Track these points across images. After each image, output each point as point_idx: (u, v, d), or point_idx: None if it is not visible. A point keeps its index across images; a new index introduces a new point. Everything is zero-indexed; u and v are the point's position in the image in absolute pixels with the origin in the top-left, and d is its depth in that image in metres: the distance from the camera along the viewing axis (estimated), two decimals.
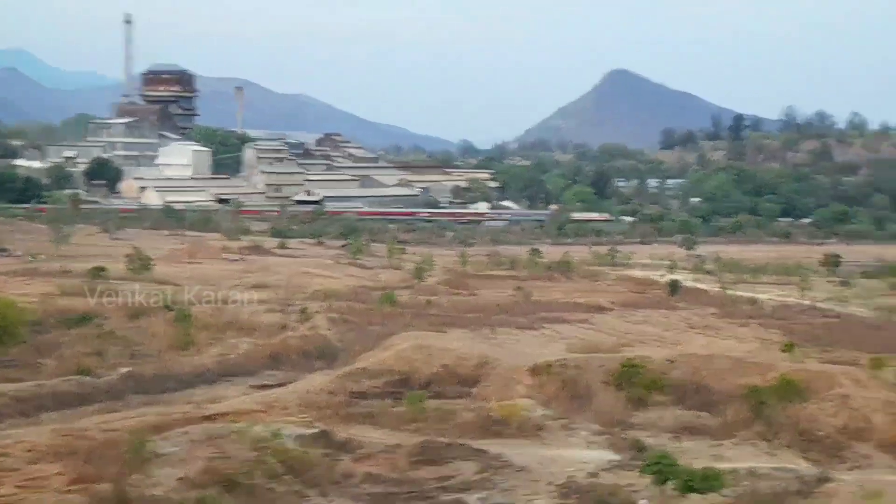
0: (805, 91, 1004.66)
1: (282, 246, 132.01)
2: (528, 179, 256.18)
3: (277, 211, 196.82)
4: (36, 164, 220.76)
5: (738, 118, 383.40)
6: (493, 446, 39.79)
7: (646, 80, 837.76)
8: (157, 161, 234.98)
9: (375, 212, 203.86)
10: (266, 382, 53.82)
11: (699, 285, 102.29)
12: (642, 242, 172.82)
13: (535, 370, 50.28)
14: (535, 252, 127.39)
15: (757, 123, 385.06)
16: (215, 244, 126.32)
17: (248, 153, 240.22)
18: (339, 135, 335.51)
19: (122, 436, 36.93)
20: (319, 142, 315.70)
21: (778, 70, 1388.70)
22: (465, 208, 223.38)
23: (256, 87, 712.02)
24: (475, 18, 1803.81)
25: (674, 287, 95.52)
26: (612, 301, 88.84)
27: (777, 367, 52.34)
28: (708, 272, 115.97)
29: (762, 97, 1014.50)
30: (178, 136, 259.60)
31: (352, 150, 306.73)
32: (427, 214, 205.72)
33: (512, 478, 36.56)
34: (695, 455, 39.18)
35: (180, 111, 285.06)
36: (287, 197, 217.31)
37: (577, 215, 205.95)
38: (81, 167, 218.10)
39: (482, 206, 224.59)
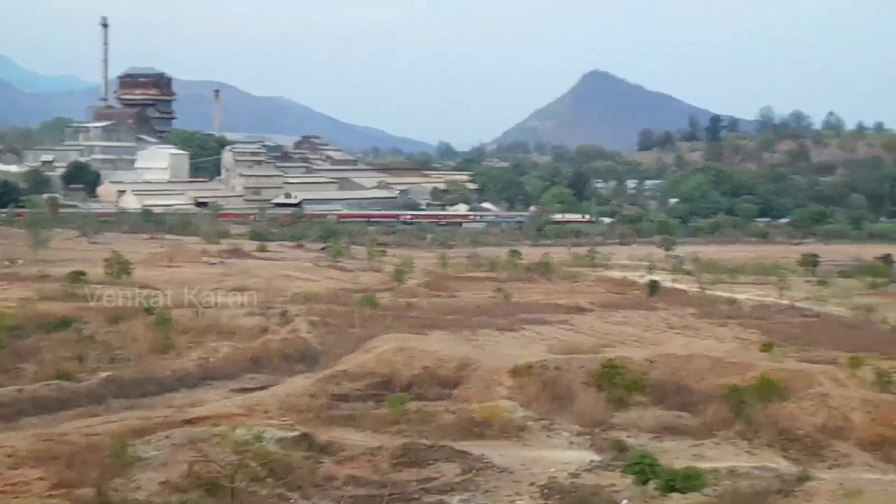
0: (781, 91, 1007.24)
1: (261, 249, 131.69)
2: (506, 181, 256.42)
3: (256, 214, 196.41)
4: (13, 168, 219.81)
5: (715, 119, 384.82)
6: (475, 448, 39.88)
7: (623, 82, 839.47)
8: (135, 165, 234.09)
9: (356, 214, 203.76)
10: (247, 386, 53.85)
11: (678, 286, 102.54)
12: (621, 243, 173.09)
13: (515, 371, 50.42)
14: (515, 253, 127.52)
15: (734, 124, 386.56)
16: (194, 248, 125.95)
17: (227, 156, 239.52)
18: (317, 137, 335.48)
19: (104, 440, 36.92)
20: (298, 144, 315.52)
21: (754, 70, 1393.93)
22: (444, 210, 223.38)
23: (234, 89, 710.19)
24: (452, 21, 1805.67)
25: (653, 288, 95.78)
26: (592, 302, 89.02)
27: (756, 366, 52.68)
28: (687, 273, 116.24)
29: (739, 98, 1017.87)
30: (155, 140, 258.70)
31: (330, 153, 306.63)
32: (410, 217, 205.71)
33: (494, 479, 36.65)
34: (675, 455, 39.36)
35: (158, 114, 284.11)
36: (266, 200, 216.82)
37: (558, 216, 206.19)
38: (59, 171, 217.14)
39: (461, 208, 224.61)
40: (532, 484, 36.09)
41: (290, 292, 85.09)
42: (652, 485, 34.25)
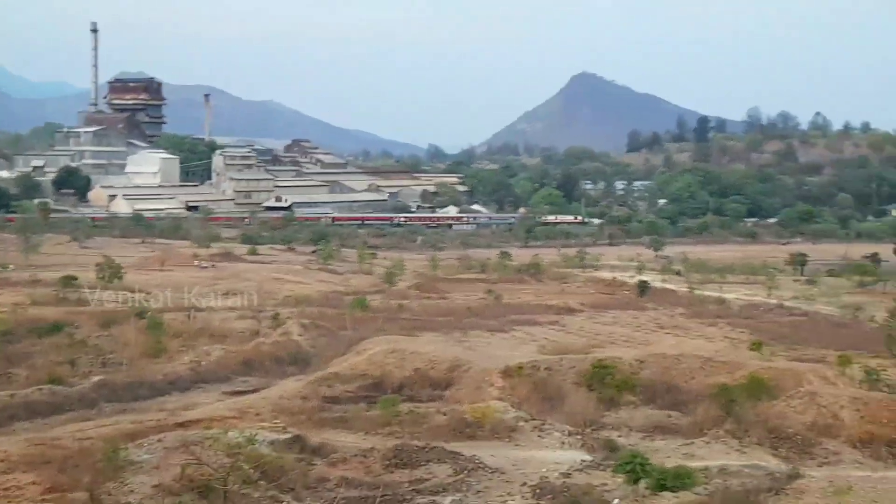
0: (769, 92, 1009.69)
1: (252, 252, 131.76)
2: (496, 183, 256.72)
3: (247, 217, 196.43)
4: (4, 173, 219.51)
5: (703, 120, 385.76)
6: (466, 448, 39.98)
7: (611, 84, 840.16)
8: (126, 169, 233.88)
9: (349, 217, 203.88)
10: (239, 389, 53.98)
11: (667, 286, 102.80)
12: (610, 244, 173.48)
13: (506, 372, 50.55)
14: (505, 255, 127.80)
15: (721, 125, 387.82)
16: (185, 251, 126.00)
17: (217, 160, 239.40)
18: (307, 141, 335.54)
19: (96, 444, 37.00)
20: (288, 148, 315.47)
21: (742, 72, 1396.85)
22: (434, 213, 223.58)
23: (224, 94, 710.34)
24: (442, 25, 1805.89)
25: (642, 288, 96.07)
26: (582, 303, 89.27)
27: (746, 365, 52.93)
28: (676, 273, 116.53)
29: (726, 99, 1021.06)
30: (146, 144, 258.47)
31: (320, 156, 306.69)
32: (404, 219, 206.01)
33: (486, 479, 36.76)
34: (666, 454, 39.52)
35: (148, 119, 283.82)
36: (257, 203, 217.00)
37: (551, 218, 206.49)
38: (50, 176, 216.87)
39: (451, 211, 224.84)
40: (524, 484, 36.20)
41: (281, 295, 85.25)
42: (643, 484, 34.40)
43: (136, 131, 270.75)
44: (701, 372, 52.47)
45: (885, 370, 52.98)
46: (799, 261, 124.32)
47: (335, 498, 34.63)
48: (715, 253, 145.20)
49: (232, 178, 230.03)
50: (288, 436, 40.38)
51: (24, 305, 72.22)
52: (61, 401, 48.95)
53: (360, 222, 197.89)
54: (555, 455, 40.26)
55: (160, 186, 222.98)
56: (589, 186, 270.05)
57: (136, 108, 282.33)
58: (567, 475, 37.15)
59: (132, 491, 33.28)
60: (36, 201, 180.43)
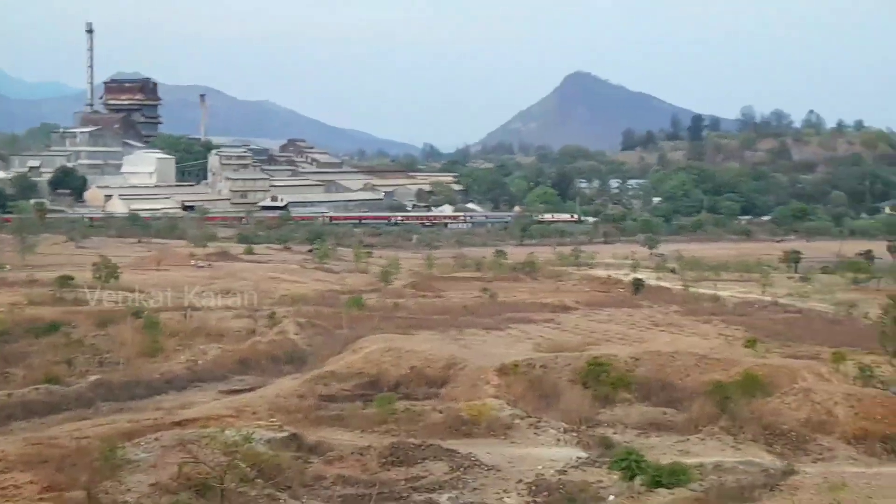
0: (762, 90, 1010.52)
1: (248, 252, 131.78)
2: (491, 182, 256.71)
3: (243, 217, 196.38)
4: (0, 174, 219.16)
5: (697, 118, 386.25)
6: (462, 446, 40.14)
7: (605, 83, 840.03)
8: (122, 169, 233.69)
9: (347, 216, 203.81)
10: (236, 387, 54.12)
11: (662, 283, 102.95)
12: (605, 242, 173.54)
13: (502, 370, 50.72)
14: (500, 253, 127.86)
15: (715, 123, 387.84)
16: (182, 251, 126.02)
17: (213, 160, 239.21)
18: (303, 140, 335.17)
19: (94, 443, 37.10)
20: (283, 148, 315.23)
21: (735, 70, 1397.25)
22: (429, 211, 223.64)
23: (220, 94, 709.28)
24: (436, 25, 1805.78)
25: (637, 286, 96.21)
26: (577, 300, 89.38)
27: (740, 362, 53.12)
28: (670, 270, 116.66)
29: (720, 97, 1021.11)
30: (142, 145, 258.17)
31: (316, 156, 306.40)
32: (401, 218, 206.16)
33: (482, 477, 36.92)
34: (661, 451, 39.72)
35: (144, 119, 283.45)
36: (252, 203, 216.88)
37: (547, 216, 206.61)
38: (46, 177, 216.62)
39: (446, 209, 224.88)
40: (520, 481, 36.37)
41: (277, 294, 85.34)
42: (638, 480, 34.60)
43: (131, 131, 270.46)
44: (696, 369, 52.67)
45: (878, 367, 53.24)
46: (793, 258, 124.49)
47: (332, 496, 34.80)
48: (709, 251, 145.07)
49: (228, 178, 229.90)
50: (284, 434, 40.53)
51: (21, 305, 72.30)
52: (58, 400, 49.10)
53: (357, 221, 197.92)
54: (550, 452, 40.43)
55: (156, 186, 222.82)
56: (584, 185, 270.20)
57: (132, 108, 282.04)
58: (563, 472, 37.32)
59: (129, 490, 33.41)
60: (32, 202, 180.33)
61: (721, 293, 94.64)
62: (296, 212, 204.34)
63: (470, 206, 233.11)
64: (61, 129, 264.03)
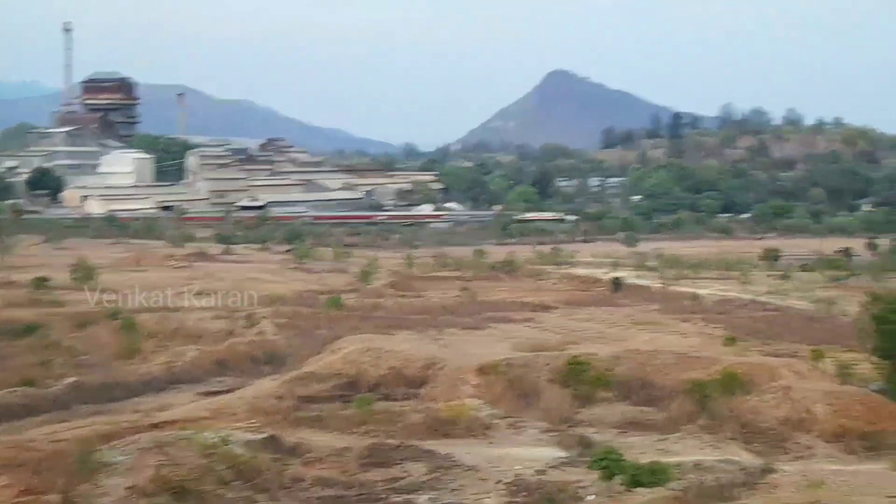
0: (742, 88, 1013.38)
1: (227, 252, 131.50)
2: (471, 181, 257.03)
3: (222, 217, 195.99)
4: None
5: (677, 116, 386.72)
6: (441, 447, 40.01)
7: (584, 81, 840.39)
8: (100, 169, 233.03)
9: (328, 216, 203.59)
10: (214, 389, 53.80)
11: (642, 282, 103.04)
12: (585, 241, 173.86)
13: (482, 370, 50.61)
14: (480, 252, 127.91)
15: (695, 121, 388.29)
16: (160, 251, 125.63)
17: (191, 160, 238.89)
18: (282, 140, 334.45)
19: (70, 446, 36.80)
20: (263, 147, 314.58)
21: (715, 68, 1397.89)
22: (409, 210, 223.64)
23: (198, 93, 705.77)
24: (414, 21, 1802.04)
25: (617, 284, 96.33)
26: (557, 299, 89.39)
27: (720, 360, 53.05)
28: (650, 269, 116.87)
29: (700, 95, 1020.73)
30: (120, 144, 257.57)
31: (295, 155, 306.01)
32: (386, 217, 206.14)
33: (461, 477, 36.79)
34: (641, 450, 39.63)
35: (122, 119, 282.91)
36: (231, 203, 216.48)
37: (529, 215, 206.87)
38: (23, 177, 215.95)
39: (426, 208, 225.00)
40: (499, 482, 36.22)
41: (256, 295, 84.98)
42: (618, 480, 34.51)
43: (109, 131, 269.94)
44: (675, 368, 52.58)
45: (857, 364, 53.32)
46: (772, 256, 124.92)
47: (310, 498, 34.65)
48: (689, 248, 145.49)
49: (206, 178, 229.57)
50: (263, 436, 40.31)
51: None
52: (35, 403, 48.72)
53: (340, 221, 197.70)
54: (530, 452, 40.32)
55: (134, 186, 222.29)
56: (564, 183, 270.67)
57: (110, 108, 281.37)
58: (542, 472, 37.20)
59: (106, 493, 33.13)
60: (8, 202, 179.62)
61: (700, 291, 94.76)
62: (275, 211, 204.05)
63: (450, 205, 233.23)
64: (38, 129, 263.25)
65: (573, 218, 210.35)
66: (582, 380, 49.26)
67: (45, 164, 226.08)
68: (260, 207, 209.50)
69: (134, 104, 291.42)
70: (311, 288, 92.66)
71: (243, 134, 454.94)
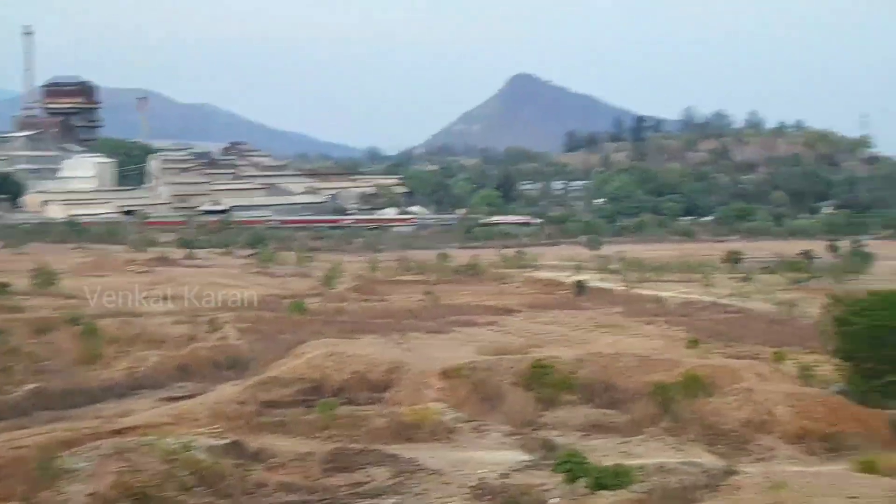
0: (704, 92, 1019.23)
1: (189, 256, 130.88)
2: (435, 184, 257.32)
3: (184, 221, 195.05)
4: None
5: (639, 120, 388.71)
6: (405, 451, 39.93)
7: (547, 85, 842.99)
8: (61, 174, 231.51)
9: (293, 220, 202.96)
10: (176, 394, 53.36)
11: (605, 285, 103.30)
12: (549, 244, 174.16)
13: (445, 374, 50.52)
14: (444, 256, 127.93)
15: (658, 124, 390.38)
16: (122, 256, 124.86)
17: (153, 164, 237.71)
18: (244, 143, 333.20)
19: (30, 453, 36.49)
20: (225, 151, 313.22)
21: (676, 71, 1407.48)
22: (373, 214, 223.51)
23: (160, 97, 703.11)
24: (376, 24, 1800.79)
25: (580, 287, 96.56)
26: (521, 303, 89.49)
27: (682, 363, 53.24)
28: (613, 272, 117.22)
29: (662, 98, 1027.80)
30: (81, 149, 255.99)
31: (258, 159, 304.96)
32: (353, 221, 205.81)
33: (425, 481, 36.71)
34: (604, 452, 39.69)
35: (83, 123, 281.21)
36: (194, 207, 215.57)
37: (495, 218, 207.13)
38: None
39: (390, 212, 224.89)
40: (462, 485, 36.14)
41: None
42: (581, 483, 34.54)
43: (71, 135, 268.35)
44: (638, 370, 52.71)
45: (819, 366, 53.70)
46: (734, 258, 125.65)
47: (274, 503, 34.50)
48: (651, 251, 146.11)
49: (168, 182, 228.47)
50: (225, 441, 40.06)
51: None
52: None
53: (303, 225, 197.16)
54: (493, 456, 40.29)
55: (96, 191, 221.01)
56: (527, 187, 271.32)
57: (71, 111, 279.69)
58: (506, 475, 37.17)
59: (67, 499, 32.84)
60: None
61: (663, 294, 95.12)
62: (238, 216, 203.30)
63: (414, 208, 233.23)
64: None
65: (537, 221, 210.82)
66: (545, 383, 49.28)
67: (6, 169, 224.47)
68: (223, 212, 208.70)
69: (95, 108, 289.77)
70: (273, 292, 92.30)
71: (206, 137, 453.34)
